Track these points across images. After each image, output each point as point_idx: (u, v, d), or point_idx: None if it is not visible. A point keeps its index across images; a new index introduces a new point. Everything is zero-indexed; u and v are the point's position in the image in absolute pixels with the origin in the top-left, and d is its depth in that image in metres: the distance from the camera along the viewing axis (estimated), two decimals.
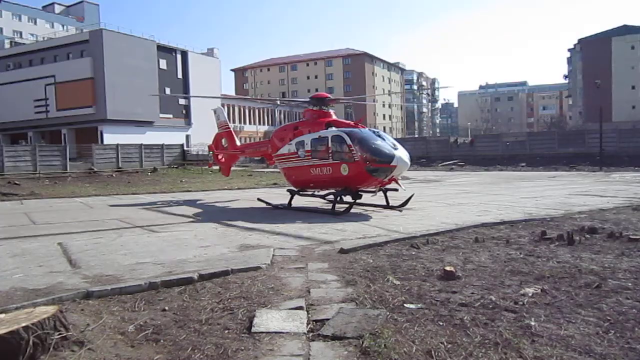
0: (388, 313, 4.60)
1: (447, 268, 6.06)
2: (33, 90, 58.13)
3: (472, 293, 5.26)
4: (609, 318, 4.41)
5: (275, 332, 4.18)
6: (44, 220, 12.80)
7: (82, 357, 3.59)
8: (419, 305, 4.89)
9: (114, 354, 3.73)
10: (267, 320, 4.45)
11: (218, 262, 6.87)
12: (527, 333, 4.10)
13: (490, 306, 4.82)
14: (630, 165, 34.67)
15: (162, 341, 4.07)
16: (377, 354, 3.68)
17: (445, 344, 3.89)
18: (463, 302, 4.96)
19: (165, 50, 63.24)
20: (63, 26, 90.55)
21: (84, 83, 54.97)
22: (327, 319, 4.46)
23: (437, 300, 5.03)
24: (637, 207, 12.10)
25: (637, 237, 8.04)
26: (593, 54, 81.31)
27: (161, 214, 13.92)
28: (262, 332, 4.18)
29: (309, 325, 4.38)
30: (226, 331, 4.27)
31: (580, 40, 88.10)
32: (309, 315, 4.62)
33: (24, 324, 3.58)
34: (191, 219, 12.58)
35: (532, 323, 4.31)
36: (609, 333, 4.06)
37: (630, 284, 5.44)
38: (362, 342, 3.90)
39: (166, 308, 4.91)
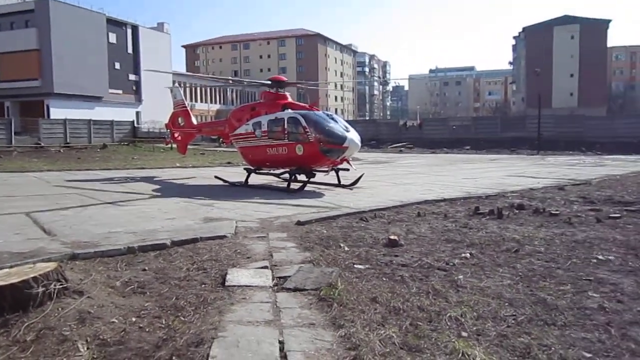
0: (340, 271, 5.43)
1: (392, 237, 6.94)
2: None
3: (412, 257, 6.15)
4: (520, 274, 5.39)
5: (246, 286, 4.94)
6: (2, 193, 12.94)
7: (83, 303, 4.22)
8: (367, 266, 5.74)
9: (109, 301, 4.38)
10: (238, 276, 5.19)
11: (186, 232, 7.51)
12: (454, 285, 5.01)
13: (426, 266, 5.72)
14: (566, 150, 36.97)
15: (148, 293, 4.75)
16: (332, 299, 4.49)
17: (387, 293, 4.74)
18: (403, 263, 5.85)
19: (114, 24, 61.49)
20: None
21: (29, 55, 52.87)
22: (289, 276, 5.25)
23: (381, 262, 5.90)
24: (562, 187, 13.44)
25: (557, 212, 9.22)
26: (536, 42, 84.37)
27: (121, 189, 14.29)
28: (234, 286, 4.92)
29: (274, 281, 5.16)
30: (203, 285, 4.99)
31: (524, 29, 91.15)
32: (274, 273, 5.40)
33: (32, 275, 4.18)
34: (152, 194, 13.03)
35: (459, 278, 5.23)
36: (518, 285, 5.03)
37: (542, 249, 6.48)
38: (320, 292, 4.71)
39: (146, 268, 5.56)
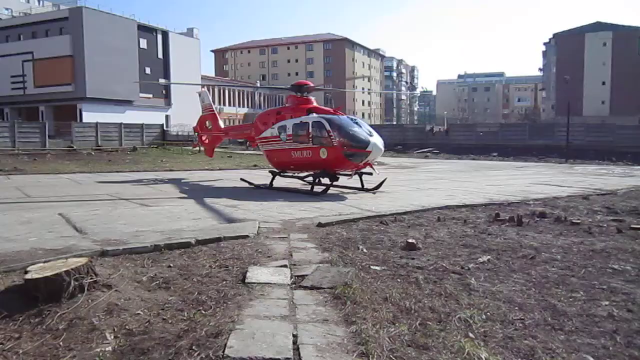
0: (357, 271, 5.61)
1: (410, 240, 7.08)
2: (10, 66, 57.36)
3: (428, 260, 6.29)
4: (533, 280, 5.48)
5: (265, 283, 5.16)
6: (37, 194, 13.47)
7: (112, 296, 4.50)
8: (383, 267, 5.91)
9: (136, 295, 4.65)
10: (258, 274, 5.42)
11: (210, 231, 7.80)
12: (467, 289, 5.14)
13: (441, 270, 5.85)
14: (595, 159, 36.20)
15: (172, 288, 5.01)
16: (346, 298, 4.68)
17: (401, 293, 4.90)
18: (419, 266, 5.99)
19: (145, 30, 62.94)
20: (39, 1, 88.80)
21: (63, 60, 54.58)
22: (307, 275, 5.45)
23: (398, 264, 6.05)
24: (587, 196, 13.30)
25: (579, 221, 9.19)
26: (567, 49, 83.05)
27: (149, 190, 14.71)
28: (254, 283, 5.15)
29: (292, 279, 5.37)
30: (224, 282, 5.23)
31: (555, 35, 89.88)
32: (292, 272, 5.61)
33: (64, 269, 4.48)
34: (179, 196, 13.41)
35: (472, 282, 5.35)
36: (530, 290, 5.12)
37: (559, 257, 6.53)
38: (335, 291, 4.90)
39: (171, 265, 5.84)
